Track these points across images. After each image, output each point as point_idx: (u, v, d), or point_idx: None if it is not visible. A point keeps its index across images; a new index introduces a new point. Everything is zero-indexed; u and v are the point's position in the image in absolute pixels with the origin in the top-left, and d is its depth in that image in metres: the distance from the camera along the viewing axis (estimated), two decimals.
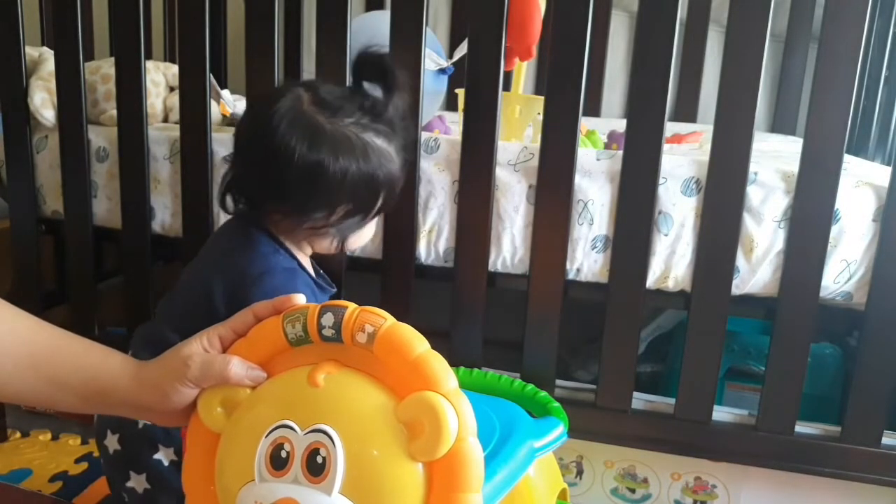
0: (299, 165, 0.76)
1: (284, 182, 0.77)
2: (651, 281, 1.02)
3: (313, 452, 0.51)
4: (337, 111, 0.78)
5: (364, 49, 0.82)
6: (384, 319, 0.53)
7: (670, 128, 1.08)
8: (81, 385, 0.58)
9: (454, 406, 0.50)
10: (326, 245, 0.86)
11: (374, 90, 0.81)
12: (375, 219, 0.87)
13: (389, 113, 0.81)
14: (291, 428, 0.52)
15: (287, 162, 0.76)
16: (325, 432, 0.51)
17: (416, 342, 0.52)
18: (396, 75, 0.81)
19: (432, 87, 1.12)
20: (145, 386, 0.57)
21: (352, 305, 0.54)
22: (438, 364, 0.52)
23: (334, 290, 0.91)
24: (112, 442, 0.84)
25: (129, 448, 0.84)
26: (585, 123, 1.19)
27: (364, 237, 0.90)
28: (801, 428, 1.03)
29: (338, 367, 0.54)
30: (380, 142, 0.79)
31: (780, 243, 0.97)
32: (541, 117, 0.99)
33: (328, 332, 0.54)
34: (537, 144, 1.00)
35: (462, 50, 1.05)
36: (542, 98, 1.00)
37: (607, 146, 1.22)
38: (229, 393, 0.56)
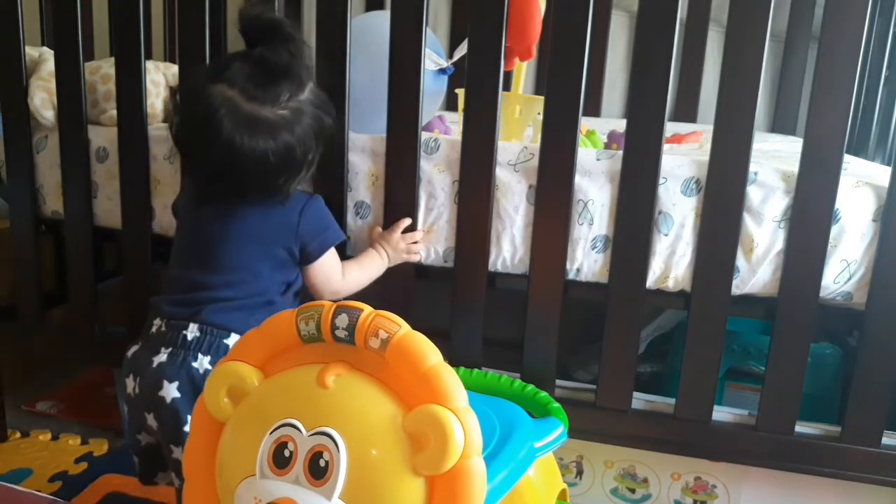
0: (275, 160, 0.85)
1: (270, 179, 0.87)
2: (651, 281, 1.02)
3: (316, 455, 0.51)
4: (274, 100, 0.85)
5: (247, 17, 0.86)
6: (399, 326, 0.52)
7: (670, 128, 1.08)
8: None
9: (462, 423, 0.50)
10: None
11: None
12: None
13: (297, 66, 0.87)
14: (296, 427, 0.52)
15: (263, 165, 0.85)
16: (329, 436, 0.51)
17: (430, 353, 0.52)
18: (287, 31, 0.86)
19: (432, 87, 1.12)
20: None
21: (367, 308, 0.53)
22: (450, 378, 0.51)
23: None
24: (170, 390, 0.82)
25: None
26: (585, 123, 1.19)
27: None
28: (801, 428, 1.03)
29: (347, 369, 0.54)
30: (311, 95, 0.89)
31: (780, 243, 0.97)
32: (541, 117, 0.99)
33: (341, 334, 0.53)
34: (537, 144, 1.00)
35: (462, 50, 1.05)
36: (542, 98, 1.00)
37: (607, 146, 1.22)
38: (237, 383, 0.56)
